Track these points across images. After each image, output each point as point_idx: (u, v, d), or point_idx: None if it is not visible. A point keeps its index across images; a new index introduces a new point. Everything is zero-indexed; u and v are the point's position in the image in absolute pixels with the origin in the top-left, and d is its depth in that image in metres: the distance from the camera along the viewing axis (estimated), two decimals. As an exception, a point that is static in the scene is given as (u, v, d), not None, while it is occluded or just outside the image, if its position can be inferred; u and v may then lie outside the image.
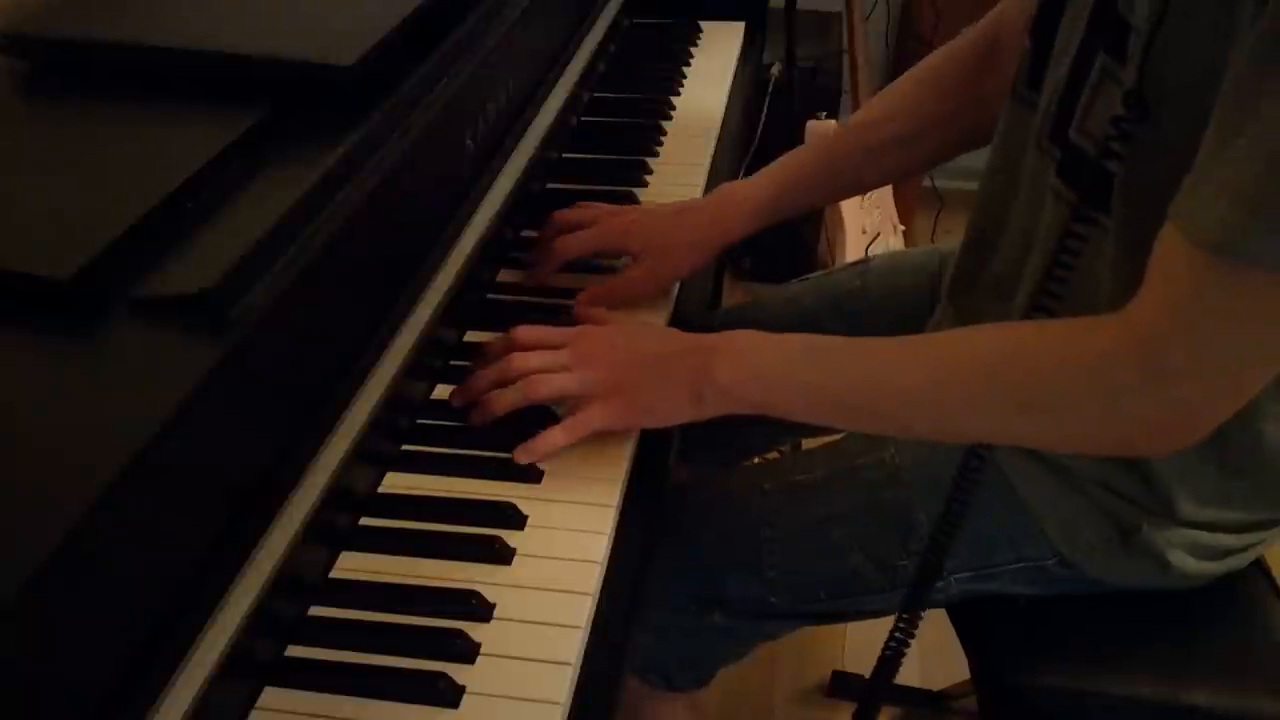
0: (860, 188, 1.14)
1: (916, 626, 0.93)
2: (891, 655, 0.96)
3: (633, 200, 1.17)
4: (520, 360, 0.85)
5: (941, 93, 1.05)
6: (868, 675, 1.01)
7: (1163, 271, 0.68)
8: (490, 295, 1.03)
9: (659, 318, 1.01)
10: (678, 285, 1.05)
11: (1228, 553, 0.93)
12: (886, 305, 1.16)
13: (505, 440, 0.86)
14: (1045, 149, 0.87)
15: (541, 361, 0.84)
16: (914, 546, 0.94)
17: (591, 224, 1.02)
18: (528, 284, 1.03)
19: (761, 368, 0.82)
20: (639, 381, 0.83)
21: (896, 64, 2.52)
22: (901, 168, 1.09)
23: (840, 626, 1.05)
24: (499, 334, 0.91)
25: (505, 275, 1.06)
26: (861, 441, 1.00)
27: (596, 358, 0.84)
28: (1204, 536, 0.91)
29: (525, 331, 0.88)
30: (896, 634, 0.94)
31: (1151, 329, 0.69)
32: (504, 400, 0.84)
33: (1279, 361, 0.70)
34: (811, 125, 2.14)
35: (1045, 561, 0.93)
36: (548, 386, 0.84)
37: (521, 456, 0.83)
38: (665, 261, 1.01)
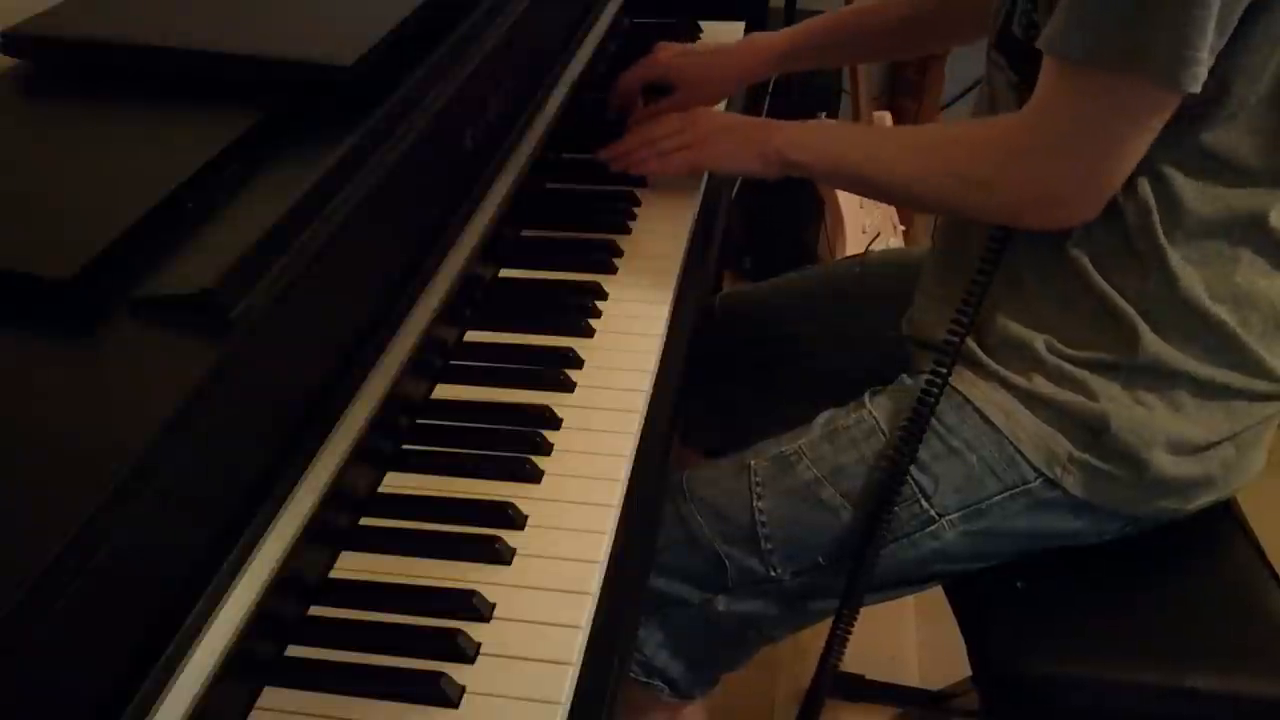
0: (860, 60, 1.51)
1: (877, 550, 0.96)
2: (860, 569, 0.97)
3: (634, 200, 1.18)
4: (645, 130, 1.15)
5: None
6: (868, 676, 1.00)
7: (1040, 80, 0.88)
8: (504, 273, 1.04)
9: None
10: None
11: (1207, 445, 0.95)
12: (883, 289, 1.20)
13: (505, 441, 0.86)
14: (995, 61, 0.98)
15: (652, 131, 1.13)
16: (903, 494, 0.96)
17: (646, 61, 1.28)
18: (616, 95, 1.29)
19: (808, 141, 1.04)
20: (717, 140, 1.10)
21: (895, 64, 2.52)
22: (898, 49, 1.44)
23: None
24: (499, 333, 0.98)
25: (506, 273, 1.07)
26: (842, 407, 1.02)
27: (694, 124, 1.11)
28: (1177, 423, 0.93)
29: (649, 117, 1.18)
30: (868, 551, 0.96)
31: (1023, 117, 0.90)
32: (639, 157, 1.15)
33: (1125, 150, 0.85)
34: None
35: (1030, 484, 0.96)
36: (661, 164, 1.12)
37: (615, 163, 1.15)
38: (699, 91, 1.25)
